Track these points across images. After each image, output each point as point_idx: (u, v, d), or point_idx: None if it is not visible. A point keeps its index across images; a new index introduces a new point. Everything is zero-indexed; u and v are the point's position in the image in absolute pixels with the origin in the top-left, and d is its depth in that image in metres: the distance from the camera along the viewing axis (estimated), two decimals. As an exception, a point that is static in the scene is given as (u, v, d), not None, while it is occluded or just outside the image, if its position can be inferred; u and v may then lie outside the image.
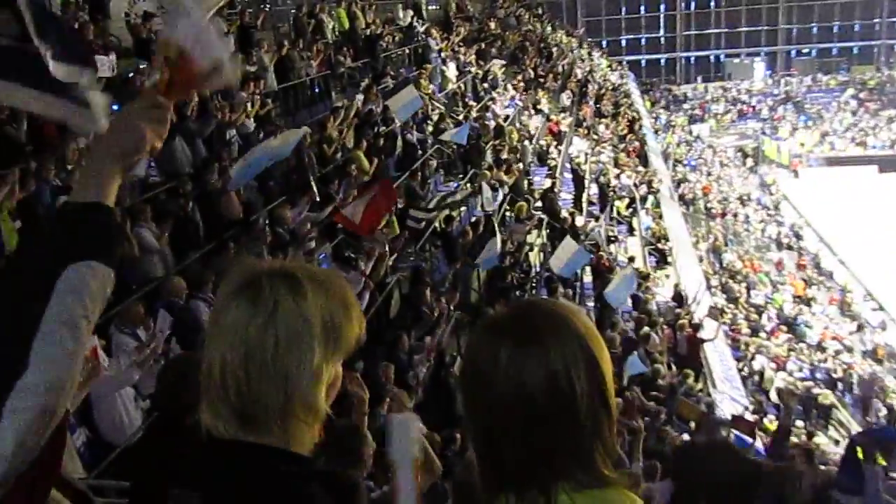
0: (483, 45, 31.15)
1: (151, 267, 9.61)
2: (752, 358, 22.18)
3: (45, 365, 1.43)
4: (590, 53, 48.98)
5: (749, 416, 16.46)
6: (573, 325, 1.54)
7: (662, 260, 23.85)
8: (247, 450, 1.52)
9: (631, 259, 21.07)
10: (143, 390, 7.58)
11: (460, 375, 1.65)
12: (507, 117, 24.87)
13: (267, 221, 11.55)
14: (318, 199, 12.54)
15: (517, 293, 16.00)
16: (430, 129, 19.41)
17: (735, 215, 40.75)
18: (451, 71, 25.23)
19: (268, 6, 21.22)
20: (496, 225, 16.42)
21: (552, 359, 1.49)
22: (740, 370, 20.33)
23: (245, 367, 1.51)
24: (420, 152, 17.85)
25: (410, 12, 27.37)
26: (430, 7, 34.14)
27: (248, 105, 13.62)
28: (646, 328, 16.64)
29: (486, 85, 26.73)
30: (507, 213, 19.11)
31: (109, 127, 1.75)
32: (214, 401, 1.53)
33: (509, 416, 1.49)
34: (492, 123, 22.39)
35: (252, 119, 13.65)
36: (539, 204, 20.43)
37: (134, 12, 14.71)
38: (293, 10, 21.41)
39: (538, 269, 18.03)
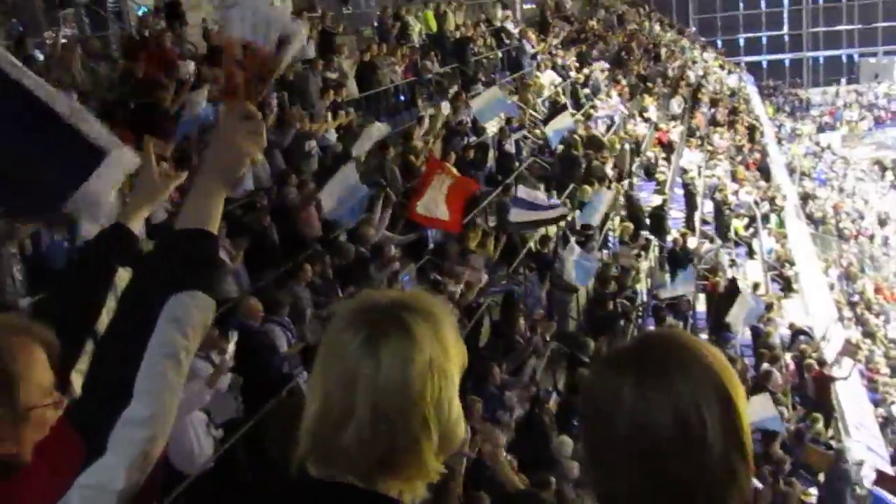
0: (583, 47, 31.06)
1: (224, 287, 9.87)
2: (893, 402, 21.27)
3: (148, 398, 1.53)
4: (703, 54, 48.23)
5: (890, 470, 15.75)
6: (704, 358, 1.50)
7: (787, 287, 23.20)
8: (351, 493, 1.55)
9: (755, 286, 20.57)
10: (216, 418, 7.80)
11: (579, 415, 1.65)
12: (610, 126, 24.68)
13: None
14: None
15: (621, 322, 15.79)
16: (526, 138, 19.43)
17: (871, 237, 39.30)
18: (548, 74, 25.24)
19: (350, 9, 21.67)
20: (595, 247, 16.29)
21: (681, 396, 1.46)
22: (878, 415, 19.51)
23: (354, 396, 1.56)
24: (515, 164, 17.88)
25: (508, 12, 27.56)
26: (525, 6, 34.33)
27: (329, 114, 13.93)
28: (767, 365, 16.18)
29: (586, 90, 26.62)
30: (611, 233, 18.92)
31: (209, 149, 1.85)
32: (319, 437, 1.57)
33: (632, 458, 1.47)
34: (595, 131, 22.24)
35: (333, 129, 13.93)
36: (646, 223, 20.16)
37: (211, 19, 15.31)
38: (377, 13, 21.83)
39: (644, 297, 17.76)
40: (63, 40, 11.41)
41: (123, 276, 2.05)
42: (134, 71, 11.55)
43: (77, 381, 1.81)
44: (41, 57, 11.50)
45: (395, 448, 1.55)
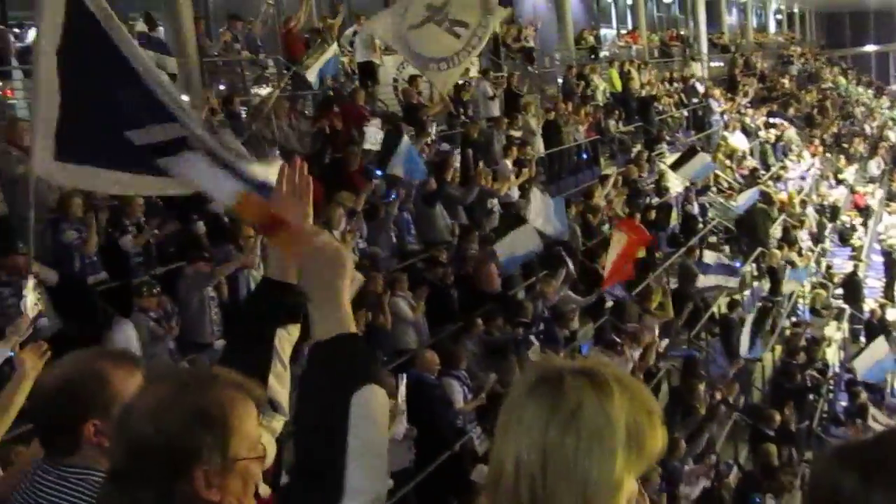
0: (774, 106, 30.03)
1: (404, 338, 10.09)
2: None
3: (357, 492, 1.64)
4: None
5: None
6: None
7: None
8: None
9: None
10: (389, 468, 7.90)
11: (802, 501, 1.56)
12: (802, 188, 23.62)
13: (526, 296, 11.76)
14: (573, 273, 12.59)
15: (810, 396, 14.91)
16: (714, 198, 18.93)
17: None
18: (737, 135, 24.53)
19: (535, 68, 21.95)
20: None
21: None
22: None
23: (542, 467, 1.52)
24: (700, 226, 17.41)
25: (694, 70, 27.12)
26: (712, 64, 33.65)
27: (513, 172, 14.07)
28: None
29: (777, 151, 25.65)
30: (801, 301, 17.99)
31: (309, 275, 1.89)
32: (503, 501, 1.55)
33: None
34: (784, 194, 21.36)
35: (516, 186, 14.05)
36: (839, 291, 19.03)
37: (402, 77, 15.92)
38: (562, 72, 22.00)
39: (837, 370, 16.70)
40: (267, 98, 12.19)
41: (284, 335, 2.10)
42: (327, 127, 12.14)
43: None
44: (244, 114, 12.33)
45: None
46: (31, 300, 5.49)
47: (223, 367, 1.86)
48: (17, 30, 12.74)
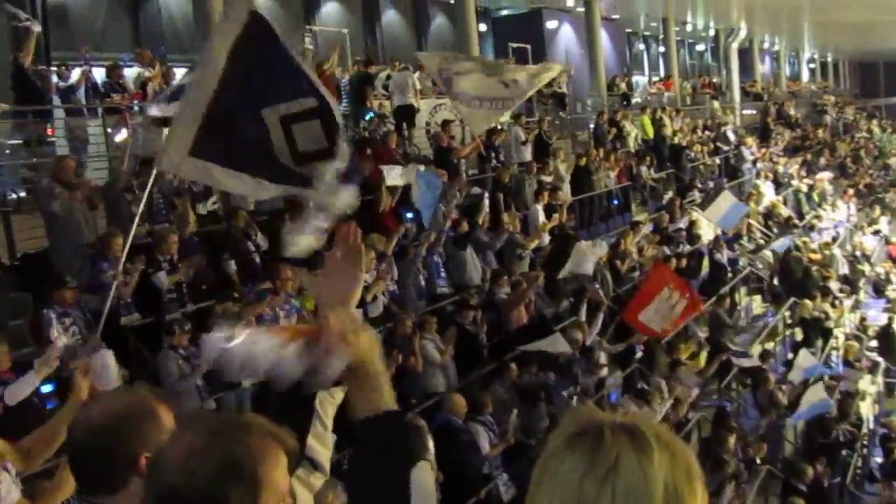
0: (808, 155, 29.87)
1: (433, 381, 10.06)
2: None
3: None
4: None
5: None
6: None
7: None
8: None
9: None
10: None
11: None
12: (835, 238, 23.38)
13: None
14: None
15: (843, 451, 14.59)
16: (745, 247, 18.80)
17: None
18: (768, 185, 24.41)
19: (567, 114, 22.07)
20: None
21: None
22: None
23: None
24: (730, 275, 17.26)
25: (727, 118, 27.09)
26: (745, 112, 33.63)
27: (541, 218, 14.07)
28: None
29: (811, 200, 25.46)
30: (834, 353, 17.70)
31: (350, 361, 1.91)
32: None
33: None
34: (817, 244, 21.15)
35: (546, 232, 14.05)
36: (873, 344, 18.72)
37: (434, 120, 16.08)
38: (593, 118, 22.08)
39: (871, 424, 16.37)
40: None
41: (327, 398, 2.11)
42: (359, 169, 12.24)
43: None
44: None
45: None
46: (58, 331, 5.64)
47: (256, 413, 1.87)
48: (59, 68, 13.00)
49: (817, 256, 20.10)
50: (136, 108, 12.53)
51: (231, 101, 4.27)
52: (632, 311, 12.13)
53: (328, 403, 2.14)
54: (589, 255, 11.28)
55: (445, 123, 14.98)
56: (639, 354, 12.95)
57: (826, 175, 28.16)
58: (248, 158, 4.35)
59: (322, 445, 2.13)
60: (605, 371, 11.93)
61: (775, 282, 18.92)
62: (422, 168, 12.40)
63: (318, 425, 2.12)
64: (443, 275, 11.89)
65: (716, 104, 29.60)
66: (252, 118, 4.21)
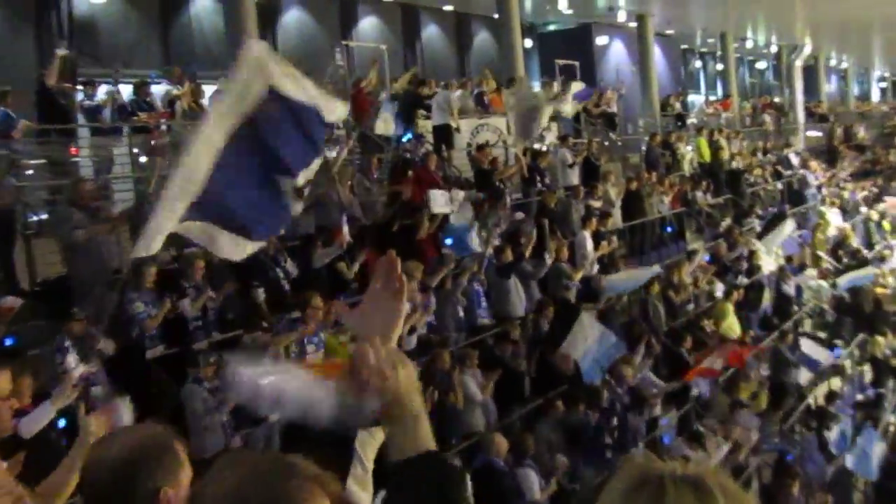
0: (878, 180, 29.43)
1: (472, 420, 9.98)
2: None
3: None
4: None
5: None
6: None
7: None
8: None
9: None
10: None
11: None
12: (907, 271, 22.93)
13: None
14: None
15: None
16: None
17: None
18: (835, 211, 24.07)
19: (617, 135, 21.99)
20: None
21: None
22: None
23: None
24: (795, 308, 17.01)
25: (790, 140, 26.82)
26: (809, 133, 33.30)
27: (590, 246, 13.98)
28: None
29: (881, 229, 25.03)
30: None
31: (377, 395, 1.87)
32: None
33: None
34: (891, 279, 20.77)
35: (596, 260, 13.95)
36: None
37: (475, 142, 16.10)
38: (645, 139, 21.97)
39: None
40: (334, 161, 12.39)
41: (367, 438, 2.07)
42: (400, 193, 12.28)
43: None
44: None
45: None
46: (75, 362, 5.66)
47: (300, 455, 1.85)
48: (84, 87, 13.20)
49: (885, 291, 19.68)
50: (163, 126, 12.69)
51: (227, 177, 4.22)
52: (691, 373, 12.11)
53: (369, 445, 2.12)
54: (589, 332, 11.09)
55: (481, 147, 15.00)
56: (695, 391, 12.79)
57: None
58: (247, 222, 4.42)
59: (363, 489, 2.12)
60: (658, 411, 11.78)
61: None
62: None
63: (359, 468, 2.10)
64: (483, 305, 11.84)
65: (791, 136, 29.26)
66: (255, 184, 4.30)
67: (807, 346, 13.96)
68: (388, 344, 1.96)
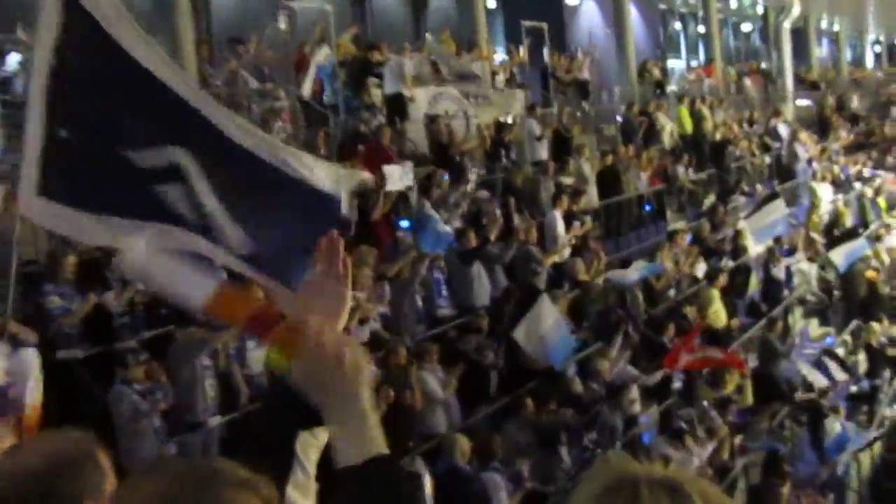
0: (873, 154, 29.84)
1: (433, 420, 9.99)
2: None
3: None
4: None
5: None
6: None
7: None
8: None
9: None
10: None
11: None
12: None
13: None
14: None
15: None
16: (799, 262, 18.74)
17: None
18: (826, 187, 24.37)
19: (591, 104, 22.05)
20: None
21: None
22: None
23: None
24: (784, 293, 17.21)
25: (779, 109, 27.09)
26: (799, 102, 33.64)
27: (561, 227, 14.00)
28: None
29: (876, 206, 25.40)
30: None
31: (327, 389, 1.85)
32: None
33: None
34: (886, 259, 21.08)
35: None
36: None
37: (433, 112, 16.05)
38: (621, 109, 22.06)
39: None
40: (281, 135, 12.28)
41: (310, 440, 2.05)
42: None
43: None
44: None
45: None
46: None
47: (227, 458, 1.82)
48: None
49: (876, 275, 19.88)
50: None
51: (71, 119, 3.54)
52: (672, 359, 12.22)
53: (311, 446, 2.09)
54: (548, 318, 11.16)
55: (435, 117, 14.96)
56: (677, 384, 12.91)
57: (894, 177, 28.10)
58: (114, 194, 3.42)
59: (304, 496, 2.09)
60: (636, 407, 11.87)
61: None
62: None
63: (300, 473, 2.08)
64: (444, 294, 11.83)
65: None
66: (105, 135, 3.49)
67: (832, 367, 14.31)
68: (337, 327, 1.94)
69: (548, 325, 11.17)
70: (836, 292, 19.28)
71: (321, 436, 2.05)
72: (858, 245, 18.76)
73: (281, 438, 2.01)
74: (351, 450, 1.78)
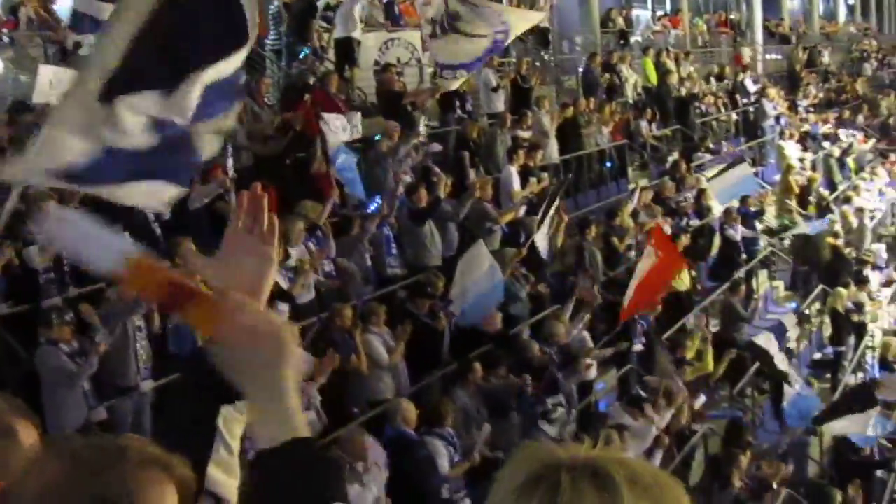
0: (844, 112, 30.15)
1: (378, 386, 9.99)
2: None
3: None
4: None
5: None
6: None
7: None
8: None
9: None
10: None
11: None
12: (874, 215, 23.63)
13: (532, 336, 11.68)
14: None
15: (878, 472, 14.84)
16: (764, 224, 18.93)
17: None
18: (794, 146, 24.59)
19: (550, 54, 21.99)
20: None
21: None
22: None
23: None
24: (744, 256, 17.38)
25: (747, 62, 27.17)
26: (768, 56, 33.82)
27: (517, 183, 14.00)
28: None
29: (845, 168, 25.72)
30: (869, 353, 17.95)
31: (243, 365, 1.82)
32: None
33: None
34: (854, 221, 21.35)
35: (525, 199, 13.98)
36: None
37: (385, 60, 15.89)
38: (583, 60, 22.02)
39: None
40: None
41: (234, 414, 2.01)
42: (293, 122, 12.04)
43: None
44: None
45: None
46: None
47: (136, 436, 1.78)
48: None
49: (834, 241, 20.10)
50: (4, 39, 12.25)
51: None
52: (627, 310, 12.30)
53: (235, 422, 2.04)
54: (479, 265, 11.17)
55: (388, 66, 14.83)
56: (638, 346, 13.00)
57: (862, 139, 28.42)
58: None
59: (228, 475, 2.05)
60: (593, 373, 11.96)
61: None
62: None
63: (222, 450, 2.03)
64: (394, 252, 11.80)
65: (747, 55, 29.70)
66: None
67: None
68: (257, 302, 1.90)
69: (481, 272, 11.19)
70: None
71: (246, 410, 2.02)
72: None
73: (202, 412, 1.97)
74: (268, 432, 1.76)
